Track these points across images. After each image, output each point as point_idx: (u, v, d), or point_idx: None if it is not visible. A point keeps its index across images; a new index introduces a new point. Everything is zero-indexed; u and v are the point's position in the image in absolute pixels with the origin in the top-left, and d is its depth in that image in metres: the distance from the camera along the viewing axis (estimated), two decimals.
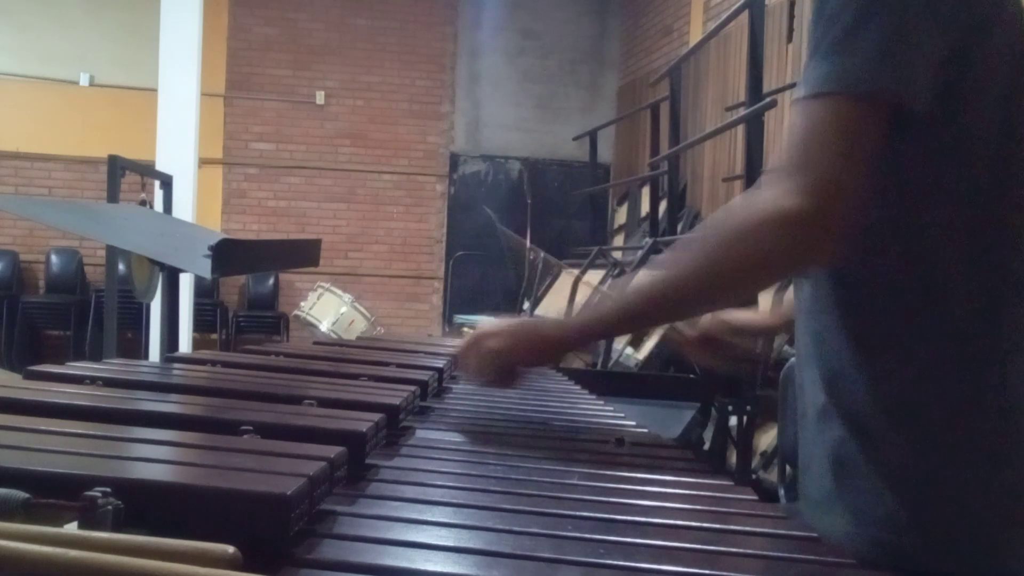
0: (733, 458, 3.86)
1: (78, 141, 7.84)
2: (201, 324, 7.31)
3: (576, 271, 5.27)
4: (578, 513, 0.78)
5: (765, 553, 0.74)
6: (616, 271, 4.62)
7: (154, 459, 0.80)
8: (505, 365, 1.16)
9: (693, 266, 0.98)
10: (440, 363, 1.59)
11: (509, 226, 8.01)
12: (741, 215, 0.94)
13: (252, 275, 7.96)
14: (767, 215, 0.90)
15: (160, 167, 6.01)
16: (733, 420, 3.79)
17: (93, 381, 1.13)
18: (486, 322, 1.20)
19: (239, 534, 0.53)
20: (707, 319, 1.36)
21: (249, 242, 4.69)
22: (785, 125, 0.90)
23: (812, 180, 0.88)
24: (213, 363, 1.46)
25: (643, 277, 1.06)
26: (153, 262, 2.51)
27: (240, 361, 1.54)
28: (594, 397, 1.61)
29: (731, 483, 0.96)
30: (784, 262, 0.94)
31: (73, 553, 0.45)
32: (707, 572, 0.69)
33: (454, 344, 2.07)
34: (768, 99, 3.72)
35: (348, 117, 8.35)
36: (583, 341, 1.17)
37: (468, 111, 8.59)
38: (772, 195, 0.90)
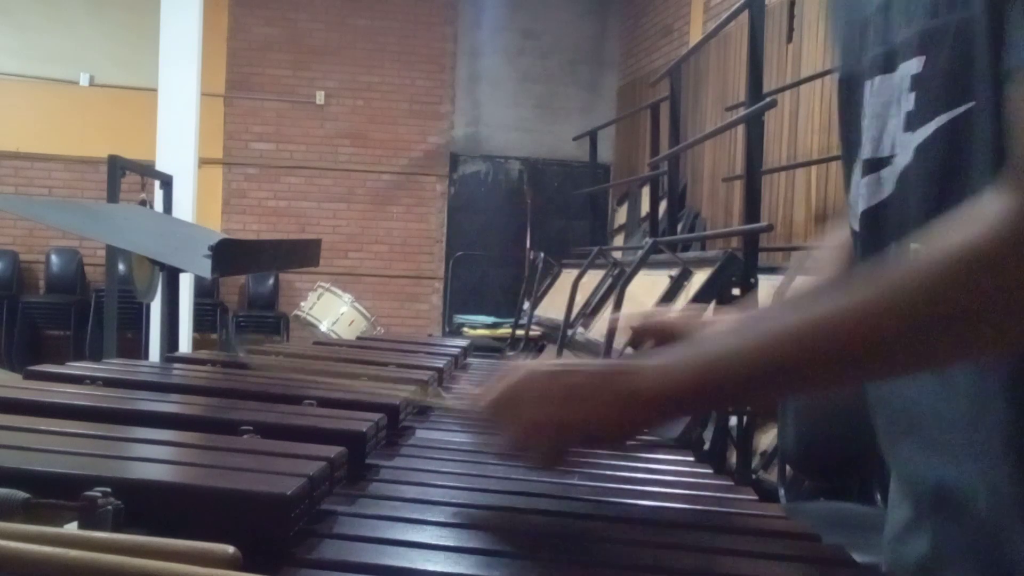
0: (733, 458, 3.86)
1: (78, 141, 7.84)
2: (201, 324, 7.31)
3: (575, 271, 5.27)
4: (578, 513, 0.78)
5: (765, 553, 0.74)
6: (616, 271, 4.62)
7: (154, 459, 0.80)
8: (564, 443, 0.76)
9: (893, 303, 0.64)
10: (440, 363, 1.59)
11: (509, 226, 8.01)
12: (971, 236, 0.61)
13: (252, 275, 7.96)
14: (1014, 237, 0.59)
15: (160, 167, 6.01)
16: (733, 420, 3.79)
17: (93, 381, 1.13)
18: (529, 369, 0.76)
19: (239, 534, 0.53)
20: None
21: (249, 242, 4.69)
22: (1015, 110, 0.61)
23: None
24: (213, 363, 1.46)
25: (785, 311, 0.72)
26: (153, 262, 2.51)
27: (240, 361, 1.54)
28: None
29: (731, 483, 0.96)
30: None
31: (73, 553, 0.45)
32: (707, 572, 0.69)
33: (457, 345, 2.07)
34: (768, 99, 3.71)
35: (348, 117, 8.35)
36: (696, 398, 0.73)
37: (468, 111, 8.59)
38: (1016, 208, 0.60)
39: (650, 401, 0.71)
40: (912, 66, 0.74)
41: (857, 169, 0.82)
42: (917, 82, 0.74)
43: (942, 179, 0.71)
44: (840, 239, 0.98)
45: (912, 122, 0.74)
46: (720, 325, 0.93)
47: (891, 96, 0.77)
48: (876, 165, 0.79)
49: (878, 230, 0.79)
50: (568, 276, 5.43)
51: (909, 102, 0.75)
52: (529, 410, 0.74)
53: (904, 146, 0.75)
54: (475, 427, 0.86)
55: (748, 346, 0.69)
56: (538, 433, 0.74)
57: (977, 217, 0.62)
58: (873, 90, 0.79)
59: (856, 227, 0.83)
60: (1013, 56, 0.63)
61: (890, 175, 0.77)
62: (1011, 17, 0.64)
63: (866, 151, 0.80)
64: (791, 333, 0.67)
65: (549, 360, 0.77)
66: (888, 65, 0.77)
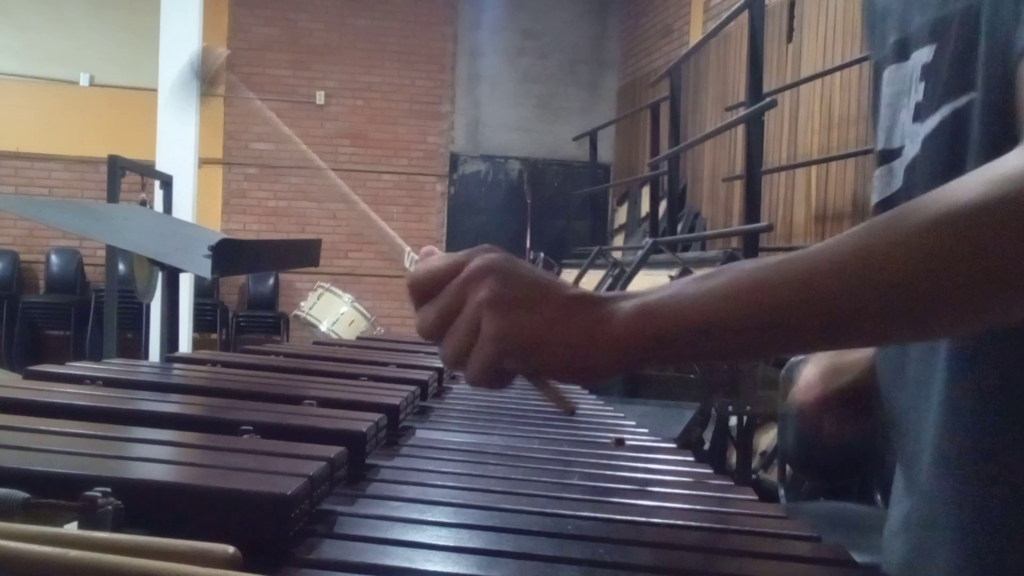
0: (733, 458, 3.87)
1: (78, 141, 7.84)
2: (201, 324, 7.31)
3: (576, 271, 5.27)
4: (578, 513, 0.78)
5: (765, 553, 0.74)
6: (616, 271, 4.62)
7: (154, 459, 0.80)
8: (514, 364, 0.64)
9: (912, 250, 0.55)
10: (440, 363, 1.59)
11: (509, 226, 8.00)
12: (1004, 184, 0.54)
13: (252, 275, 7.96)
14: None
15: (160, 167, 6.01)
16: (733, 420, 3.79)
17: (93, 381, 1.13)
18: (489, 261, 0.64)
19: (239, 534, 0.53)
20: (823, 365, 0.93)
21: (249, 242, 4.69)
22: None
23: None
24: (213, 363, 1.46)
25: (771, 258, 0.61)
26: (153, 262, 2.51)
27: (240, 361, 1.54)
28: (594, 397, 1.61)
29: (731, 483, 0.96)
30: None
31: (73, 553, 0.45)
32: (707, 572, 0.69)
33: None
34: (768, 99, 3.72)
35: (348, 117, 8.36)
36: (664, 344, 0.61)
37: (468, 111, 8.59)
38: None
39: (620, 348, 0.61)
40: (923, 55, 0.72)
41: (873, 160, 0.79)
42: (926, 72, 0.71)
43: (946, 173, 0.67)
44: None
45: (920, 113, 0.72)
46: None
47: (903, 86, 0.75)
48: (888, 156, 0.77)
49: None
50: (568, 276, 5.43)
51: (919, 92, 0.73)
52: (496, 322, 0.62)
53: (912, 137, 0.73)
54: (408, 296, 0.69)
55: (729, 285, 0.59)
56: (495, 352, 0.63)
57: (1000, 167, 0.55)
58: (888, 79, 0.77)
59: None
60: (1021, 39, 0.60)
61: (900, 167, 0.75)
62: (1019, 3, 0.61)
63: (880, 142, 0.78)
64: (786, 273, 0.58)
65: (522, 264, 0.65)
66: (902, 54, 0.75)
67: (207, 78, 1.06)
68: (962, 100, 0.68)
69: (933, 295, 0.55)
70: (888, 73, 0.78)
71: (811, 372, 0.95)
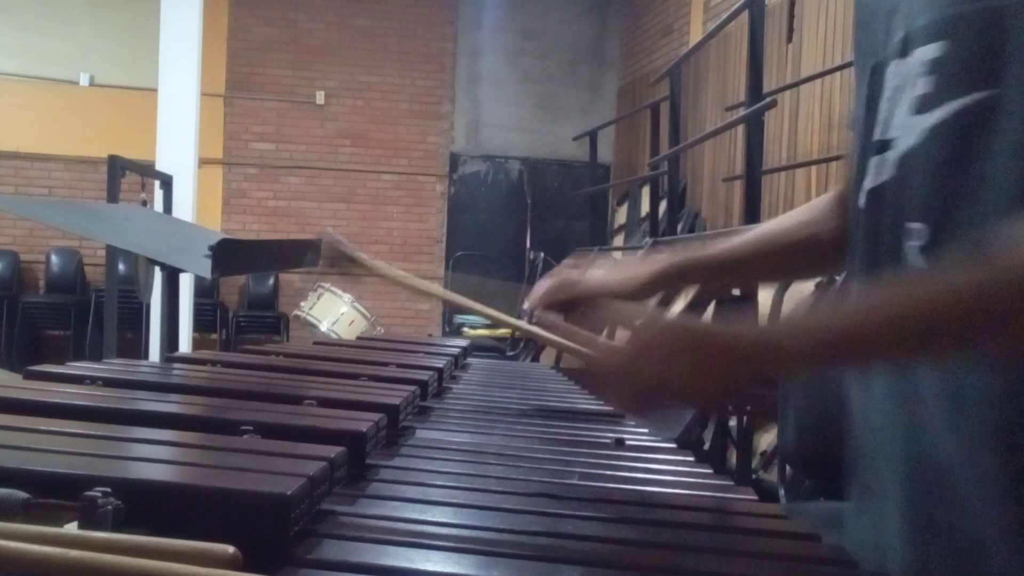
0: (733, 458, 3.86)
1: (78, 141, 7.84)
2: (201, 324, 7.31)
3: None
4: (578, 513, 0.78)
5: (765, 553, 0.74)
6: None
7: (154, 459, 0.80)
8: (687, 392, 0.81)
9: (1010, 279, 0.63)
10: (440, 363, 1.59)
11: (509, 226, 8.00)
12: None
13: (252, 275, 7.96)
14: None
15: (160, 167, 6.01)
16: (733, 420, 3.78)
17: (93, 381, 1.13)
18: (661, 323, 0.83)
19: (239, 534, 0.53)
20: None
21: (249, 242, 4.70)
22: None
23: None
24: (213, 363, 1.46)
25: (919, 279, 0.71)
26: (153, 262, 2.51)
27: (240, 361, 1.54)
28: (594, 397, 1.60)
29: (731, 483, 0.96)
30: None
31: (73, 553, 0.45)
32: (707, 572, 0.69)
33: (457, 345, 2.07)
34: (768, 99, 3.72)
35: (348, 117, 8.36)
36: (812, 362, 0.78)
37: (468, 111, 8.59)
38: None
39: (768, 359, 0.77)
40: (929, 51, 0.75)
41: (871, 148, 0.83)
42: (935, 66, 0.74)
43: (948, 164, 0.72)
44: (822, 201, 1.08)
45: (923, 105, 0.75)
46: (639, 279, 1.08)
47: (904, 80, 0.78)
48: (883, 147, 0.81)
49: (879, 210, 0.81)
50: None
51: (922, 86, 0.76)
52: (670, 366, 0.78)
53: (909, 129, 0.77)
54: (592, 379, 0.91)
55: (876, 312, 0.70)
56: (667, 388, 0.79)
57: None
58: (892, 74, 0.81)
59: (861, 203, 0.84)
60: None
61: (893, 157, 0.79)
62: None
63: (877, 132, 0.82)
64: (925, 295, 0.67)
65: (676, 317, 0.84)
66: (904, 50, 0.79)
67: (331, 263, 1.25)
68: (974, 96, 0.71)
69: None
70: (892, 68, 0.81)
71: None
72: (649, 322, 0.85)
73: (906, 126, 0.77)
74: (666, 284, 1.14)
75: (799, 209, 1.14)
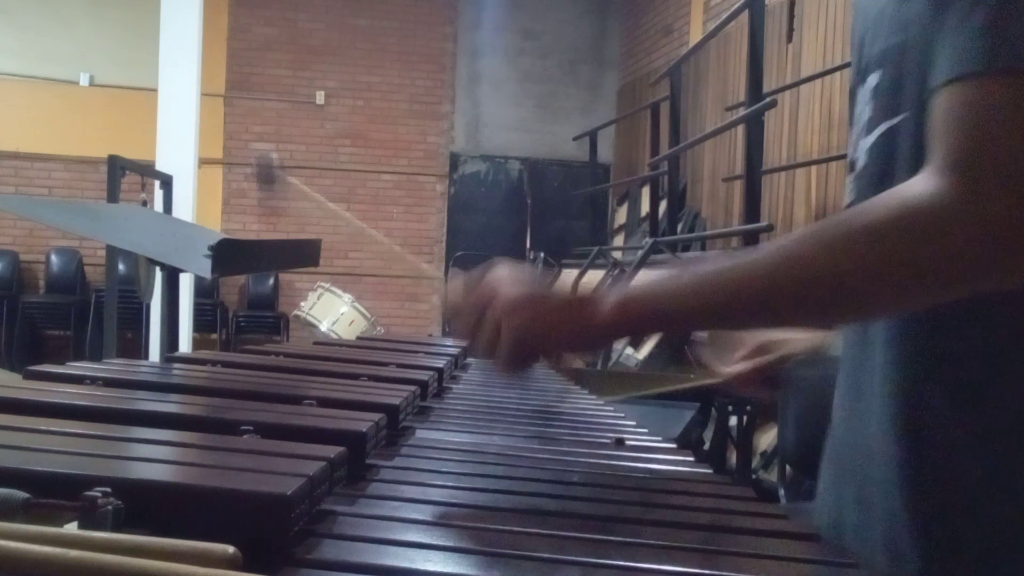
0: (733, 458, 3.87)
1: (78, 141, 7.84)
2: (201, 324, 7.31)
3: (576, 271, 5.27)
4: (578, 513, 0.78)
5: (765, 553, 0.74)
6: (616, 271, 4.62)
7: (154, 459, 0.80)
8: (530, 350, 0.89)
9: (827, 255, 0.73)
10: (440, 363, 1.59)
11: (509, 226, 8.00)
12: (899, 210, 0.70)
13: (252, 275, 7.96)
14: (947, 212, 0.68)
15: (160, 167, 6.01)
16: (733, 420, 3.79)
17: (93, 381, 1.12)
18: (500, 275, 0.89)
19: (239, 534, 0.53)
20: (748, 341, 1.17)
21: (249, 242, 4.69)
22: (938, 115, 0.71)
23: (1007, 175, 0.67)
24: (213, 363, 1.46)
25: (724, 259, 0.82)
26: (153, 262, 2.51)
27: (240, 361, 1.54)
28: (594, 397, 1.60)
29: (731, 483, 0.96)
30: (967, 271, 0.69)
31: (73, 553, 0.45)
32: (707, 572, 0.69)
33: (457, 345, 2.07)
34: (768, 99, 3.72)
35: (348, 117, 8.36)
36: (638, 327, 0.93)
37: (468, 111, 8.59)
38: (943, 190, 0.68)
39: (599, 324, 0.84)
40: (873, 79, 0.84)
41: (846, 168, 0.93)
42: (875, 93, 0.84)
43: (878, 184, 0.80)
44: None
45: (868, 128, 0.85)
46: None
47: (862, 105, 0.87)
48: (852, 167, 0.89)
49: None
50: (568, 276, 5.43)
51: (868, 110, 0.85)
52: (507, 321, 0.85)
53: (862, 150, 0.86)
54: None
55: (686, 285, 0.82)
56: (513, 340, 0.85)
57: (903, 192, 0.71)
58: (857, 99, 0.89)
59: None
60: (935, 76, 0.73)
61: (855, 178, 0.88)
62: (935, 43, 0.73)
63: (849, 152, 0.91)
64: (725, 273, 0.79)
65: (522, 278, 0.89)
66: (863, 77, 0.87)
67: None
68: (895, 120, 0.81)
69: (834, 296, 0.74)
70: (858, 93, 0.89)
71: (740, 352, 1.21)
72: (492, 280, 0.89)
73: (861, 147, 0.86)
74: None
75: None
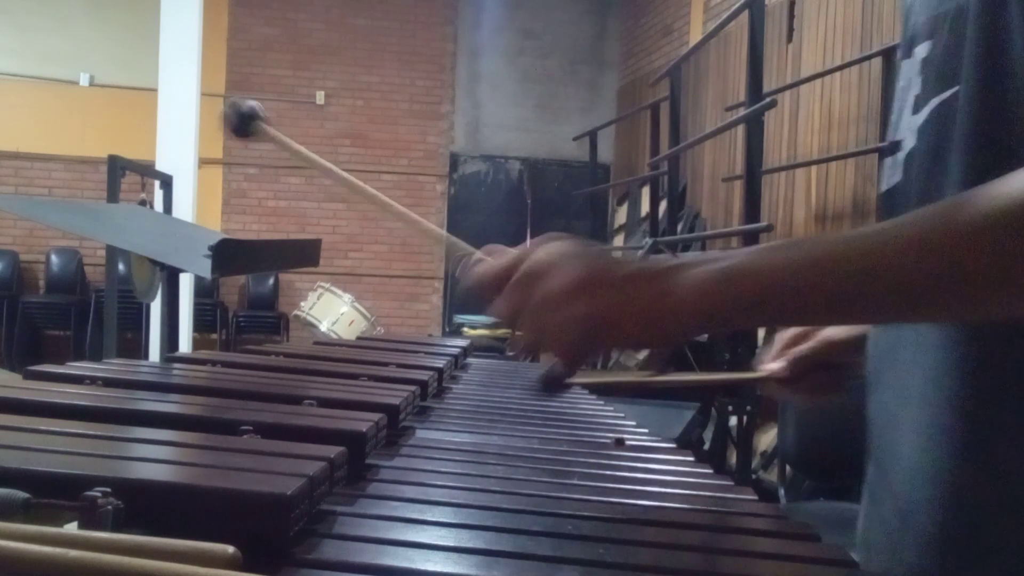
0: (733, 458, 3.87)
1: (78, 141, 7.84)
2: (201, 324, 7.31)
3: None
4: (578, 513, 0.78)
5: (765, 553, 0.74)
6: None
7: (154, 459, 0.80)
8: (597, 345, 0.70)
9: (964, 241, 0.58)
10: (440, 363, 1.59)
11: (509, 226, 7.99)
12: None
13: (252, 275, 7.96)
14: None
15: (160, 167, 6.01)
16: (733, 420, 3.79)
17: (93, 381, 1.12)
18: (553, 250, 0.70)
19: (239, 534, 0.53)
20: (789, 339, 0.98)
21: (249, 242, 4.69)
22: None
23: None
24: (213, 363, 1.46)
25: (856, 235, 0.65)
26: (153, 262, 2.51)
27: (240, 361, 1.54)
28: (594, 397, 1.60)
29: (731, 483, 0.96)
30: None
31: (73, 553, 0.45)
32: (707, 572, 0.69)
33: (457, 345, 2.07)
34: (768, 99, 3.72)
35: (348, 117, 8.36)
36: (735, 314, 0.65)
37: (468, 111, 8.59)
38: None
39: (696, 314, 0.65)
40: (923, 50, 0.75)
41: (887, 150, 0.82)
42: (924, 66, 0.75)
43: (933, 163, 0.72)
44: None
45: (917, 105, 0.75)
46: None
47: (908, 80, 0.78)
48: (894, 148, 0.79)
49: (891, 214, 0.77)
50: None
51: (917, 86, 0.76)
52: (568, 307, 0.66)
53: (910, 130, 0.76)
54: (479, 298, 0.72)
55: (813, 255, 0.63)
56: (575, 329, 0.66)
57: None
58: (900, 74, 0.80)
59: (879, 207, 0.84)
60: None
61: (900, 159, 0.78)
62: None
63: (890, 133, 0.81)
64: (837, 252, 0.62)
65: (580, 247, 0.70)
66: (908, 50, 0.79)
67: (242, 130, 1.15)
68: (947, 93, 0.71)
69: (979, 282, 0.58)
70: (902, 68, 0.80)
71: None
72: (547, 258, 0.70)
73: (908, 127, 0.76)
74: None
75: None
